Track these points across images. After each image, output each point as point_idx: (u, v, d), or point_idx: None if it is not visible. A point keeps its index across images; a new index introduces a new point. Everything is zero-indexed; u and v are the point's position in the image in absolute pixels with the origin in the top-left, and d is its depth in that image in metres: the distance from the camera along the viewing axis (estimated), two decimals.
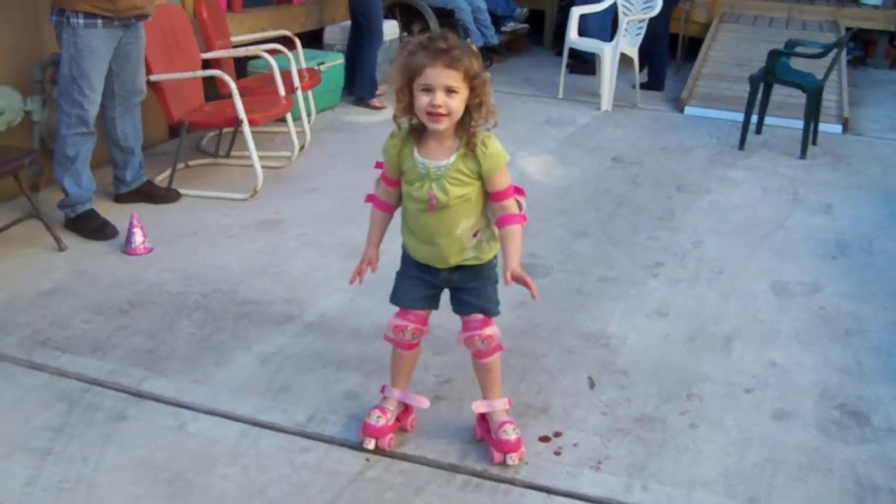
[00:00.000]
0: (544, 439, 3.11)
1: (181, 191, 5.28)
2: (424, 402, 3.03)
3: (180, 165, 5.50)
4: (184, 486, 2.81)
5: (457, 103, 2.55)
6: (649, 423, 3.23)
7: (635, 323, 3.99)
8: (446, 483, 2.84)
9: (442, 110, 2.54)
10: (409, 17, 8.97)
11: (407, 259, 2.93)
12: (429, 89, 2.53)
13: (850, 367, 3.70)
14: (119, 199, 5.11)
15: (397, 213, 2.92)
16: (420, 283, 2.90)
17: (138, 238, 4.49)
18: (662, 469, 2.98)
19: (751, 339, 3.89)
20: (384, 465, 2.94)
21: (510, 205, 2.72)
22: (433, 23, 8.76)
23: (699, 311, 4.14)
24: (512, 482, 2.86)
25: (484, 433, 3.00)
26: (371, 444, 2.95)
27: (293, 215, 5.08)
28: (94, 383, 3.34)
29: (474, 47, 2.62)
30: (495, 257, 2.88)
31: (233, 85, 5.08)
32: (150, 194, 5.16)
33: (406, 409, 3.08)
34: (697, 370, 3.61)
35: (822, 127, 7.25)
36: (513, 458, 2.90)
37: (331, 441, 3.06)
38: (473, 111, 2.60)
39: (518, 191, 2.79)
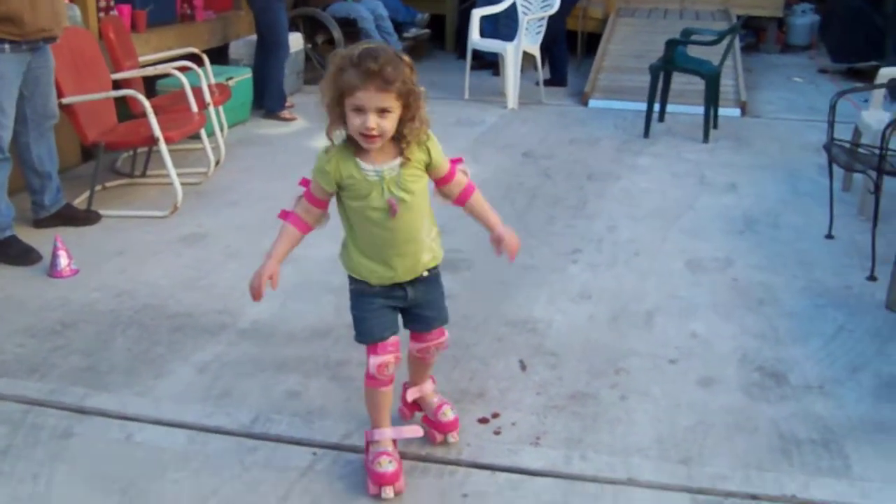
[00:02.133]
0: (483, 421, 3.22)
1: (101, 212, 5.27)
2: (419, 432, 2.96)
3: (97, 187, 5.50)
4: (137, 494, 2.86)
5: (390, 123, 2.51)
6: (582, 399, 3.37)
7: (560, 307, 4.13)
8: None
9: (375, 132, 2.49)
10: (313, 29, 9.05)
11: (364, 294, 2.80)
12: (361, 110, 2.48)
13: (766, 332, 3.90)
14: (39, 224, 5.09)
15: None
16: (387, 309, 2.80)
17: (63, 261, 4.50)
18: (599, 440, 3.12)
19: (671, 313, 4.07)
20: (332, 457, 3.03)
21: (460, 179, 2.77)
22: (337, 33, 8.86)
23: (620, 291, 4.30)
24: (457, 463, 2.97)
25: (423, 419, 3.10)
26: (390, 493, 2.79)
27: (215, 229, 5.13)
28: (35, 403, 3.36)
29: (406, 57, 2.55)
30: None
31: (146, 104, 5.12)
32: (70, 217, 5.15)
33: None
34: (623, 346, 3.77)
35: (722, 111, 7.54)
36: (454, 436, 3.03)
37: (277, 439, 3.13)
38: (406, 124, 2.54)
39: (456, 161, 2.79)
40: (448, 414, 3.04)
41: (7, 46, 4.47)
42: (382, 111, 2.48)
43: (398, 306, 2.82)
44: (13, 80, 4.58)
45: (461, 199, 2.79)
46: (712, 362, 3.65)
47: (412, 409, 3.16)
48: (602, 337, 3.85)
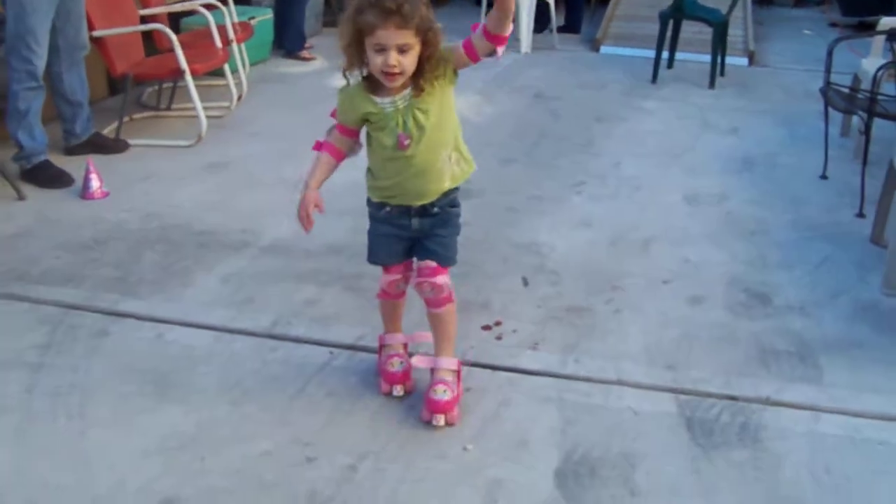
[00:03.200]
0: (486, 328, 3.49)
1: (129, 141, 5.52)
2: (429, 337, 3.04)
3: (125, 119, 5.74)
4: (168, 383, 3.13)
5: (410, 60, 2.54)
6: (579, 312, 3.64)
7: (562, 233, 4.39)
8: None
9: (396, 69, 2.52)
10: None
11: (375, 219, 2.92)
12: (382, 49, 2.51)
13: (754, 259, 4.15)
14: (70, 151, 5.35)
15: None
16: (393, 238, 2.90)
17: (95, 183, 4.76)
18: (592, 347, 3.39)
19: (666, 241, 4.32)
20: (346, 356, 3.30)
21: (475, 35, 2.63)
22: None
23: (619, 220, 4.55)
24: (460, 362, 3.22)
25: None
26: (400, 391, 3.00)
27: (237, 158, 5.38)
28: (73, 307, 3.63)
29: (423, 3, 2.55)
30: (458, 202, 2.91)
31: (174, 37, 5.36)
32: (100, 145, 5.41)
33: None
34: (620, 268, 4.03)
35: (729, 60, 7.72)
36: (438, 419, 2.87)
37: (296, 340, 3.40)
38: (425, 62, 2.58)
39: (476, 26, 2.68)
40: (439, 393, 2.88)
41: None
42: (403, 48, 2.51)
43: (405, 236, 2.88)
44: (47, 11, 4.81)
45: (487, 35, 2.60)
46: (702, 284, 3.90)
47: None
48: (601, 259, 4.11)
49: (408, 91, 2.65)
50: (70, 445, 2.80)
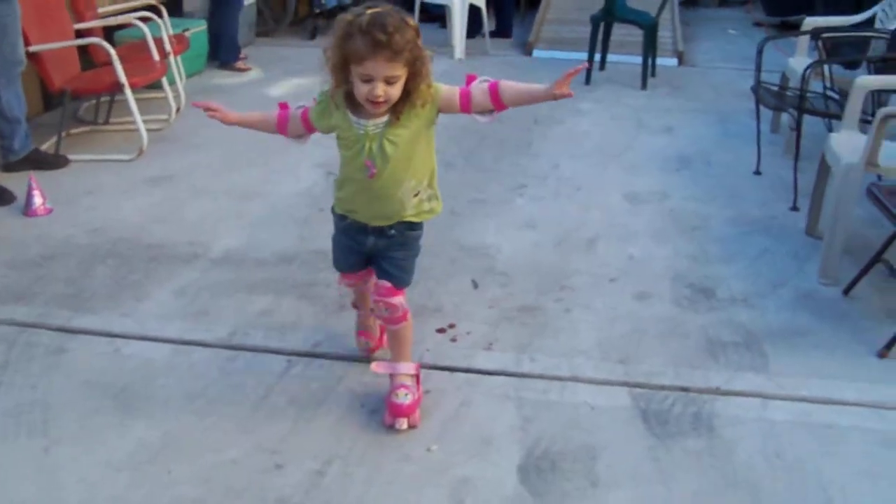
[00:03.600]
0: (441, 331, 3.56)
1: (69, 156, 5.49)
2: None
3: (62, 134, 5.70)
4: (131, 396, 3.15)
5: (397, 90, 2.53)
6: (530, 311, 3.72)
7: (508, 235, 4.47)
8: (362, 373, 3.24)
9: (381, 99, 2.52)
10: None
11: (337, 224, 2.96)
12: (369, 80, 2.49)
13: (697, 254, 4.27)
14: (8, 168, 5.30)
15: None
16: (350, 251, 2.95)
17: (38, 199, 4.73)
18: (545, 345, 3.47)
19: (610, 239, 4.43)
20: (304, 363, 3.34)
21: (480, 86, 2.67)
22: None
23: (563, 220, 4.65)
24: (418, 366, 3.28)
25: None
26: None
27: (180, 170, 5.38)
28: (27, 325, 3.61)
29: (411, 20, 2.53)
30: (420, 226, 2.91)
31: (112, 51, 5.35)
32: (40, 161, 5.37)
33: (381, 330, 3.27)
34: (567, 267, 4.12)
35: (660, 61, 7.90)
36: (401, 423, 2.90)
37: (254, 349, 3.44)
38: (411, 91, 2.56)
39: (472, 77, 2.72)
40: (400, 396, 2.91)
41: None
42: (390, 79, 2.49)
43: (361, 251, 2.91)
44: None
45: (491, 96, 2.65)
46: (648, 280, 4.01)
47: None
48: (547, 259, 4.20)
49: (384, 119, 2.64)
50: (35, 462, 2.81)
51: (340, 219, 2.92)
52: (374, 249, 2.89)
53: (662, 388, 3.20)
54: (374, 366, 3.03)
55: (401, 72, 2.50)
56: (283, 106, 2.89)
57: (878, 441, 2.92)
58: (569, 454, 2.84)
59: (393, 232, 2.84)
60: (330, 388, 3.17)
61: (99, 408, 3.09)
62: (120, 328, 3.60)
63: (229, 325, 3.60)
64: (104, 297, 3.86)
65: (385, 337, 3.20)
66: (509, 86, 2.64)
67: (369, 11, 2.48)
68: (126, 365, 3.35)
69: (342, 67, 2.53)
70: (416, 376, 3.01)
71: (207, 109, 2.93)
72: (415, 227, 2.88)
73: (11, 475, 2.74)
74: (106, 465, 2.79)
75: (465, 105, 2.66)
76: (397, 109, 2.61)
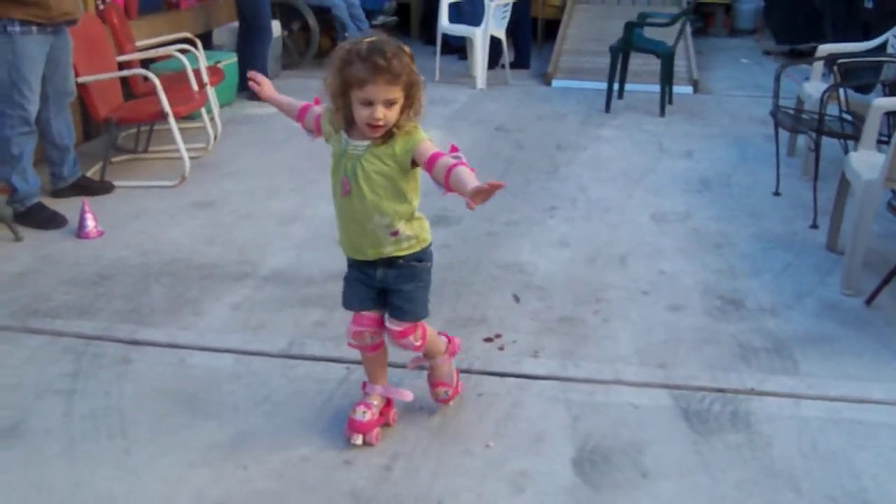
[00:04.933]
0: (488, 340, 3.76)
1: (114, 182, 5.72)
2: (408, 396, 3.11)
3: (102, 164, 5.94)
4: (199, 402, 3.35)
5: (394, 114, 2.63)
6: (570, 322, 3.93)
7: (543, 253, 4.69)
8: (417, 376, 3.43)
9: (381, 122, 2.61)
10: (289, 17, 9.51)
11: (347, 261, 3.04)
12: (369, 104, 2.59)
13: (724, 269, 4.48)
14: (57, 193, 5.53)
15: None
16: (360, 284, 2.98)
17: (90, 223, 4.95)
18: (588, 352, 3.68)
19: (641, 256, 4.64)
20: (362, 370, 3.49)
21: (445, 160, 2.64)
22: (312, 20, 9.35)
23: (594, 239, 4.86)
24: (469, 371, 3.49)
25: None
26: (359, 440, 3.00)
27: (222, 196, 5.61)
28: (93, 338, 3.82)
29: (407, 48, 2.66)
30: (428, 256, 2.96)
31: (157, 81, 5.59)
32: (86, 187, 5.60)
33: (388, 402, 3.16)
34: (601, 282, 4.33)
35: (676, 89, 8.15)
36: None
37: (313, 358, 3.64)
38: (405, 112, 2.66)
39: (454, 149, 2.70)
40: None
41: (34, 28, 4.91)
42: (390, 102, 2.60)
43: (371, 284, 2.95)
44: (39, 59, 5.02)
45: (445, 179, 2.61)
46: (679, 293, 4.22)
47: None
48: (582, 274, 4.41)
49: (366, 143, 2.71)
50: (117, 461, 3.01)
51: (341, 244, 3.02)
52: (383, 282, 2.92)
53: (700, 389, 3.39)
54: (369, 388, 3.14)
55: (399, 95, 2.61)
56: (316, 101, 2.99)
57: None
58: (618, 448, 3.04)
59: (401, 262, 2.87)
60: None
61: (170, 412, 3.29)
62: (183, 340, 3.80)
63: (287, 336, 3.81)
64: (163, 312, 4.06)
65: (385, 419, 3.18)
66: (460, 170, 2.57)
67: (367, 40, 2.62)
68: (192, 374, 3.55)
69: (342, 93, 2.64)
70: (390, 400, 3.14)
71: (257, 84, 3.11)
72: (421, 256, 2.91)
73: (97, 474, 2.93)
74: (184, 463, 2.99)
75: (429, 168, 2.67)
76: (388, 132, 2.69)
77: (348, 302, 3.07)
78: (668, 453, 3.02)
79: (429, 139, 2.71)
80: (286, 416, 3.25)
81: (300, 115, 3.04)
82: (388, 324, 2.97)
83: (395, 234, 2.81)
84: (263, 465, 2.97)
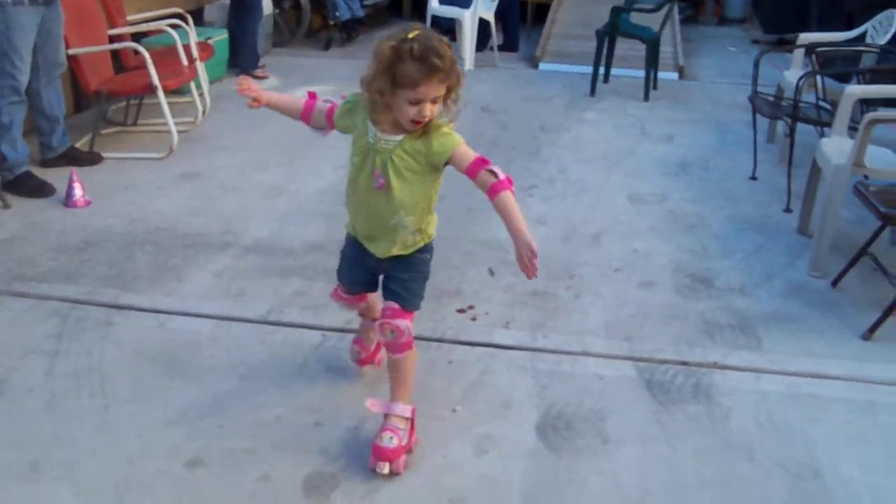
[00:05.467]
0: (461, 311, 3.87)
1: (102, 154, 5.81)
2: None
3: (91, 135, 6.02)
4: (179, 364, 3.45)
5: (437, 108, 2.58)
6: (543, 297, 4.04)
7: None
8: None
9: (428, 118, 2.58)
10: None
11: (348, 237, 2.99)
12: (419, 101, 2.53)
13: (697, 249, 4.59)
14: (45, 163, 5.61)
15: None
16: (358, 265, 2.96)
17: (78, 192, 5.04)
18: (557, 325, 3.79)
19: (615, 235, 4.75)
20: (338, 337, 3.64)
21: (486, 176, 2.63)
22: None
23: (571, 218, 4.97)
24: (441, 340, 3.60)
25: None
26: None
27: (208, 169, 5.70)
28: (77, 302, 3.92)
29: (446, 40, 2.59)
30: (429, 249, 2.93)
31: (147, 55, 5.66)
32: (75, 158, 5.68)
33: (376, 347, 3.33)
34: (575, 259, 4.44)
35: (662, 75, 8.25)
36: (381, 467, 2.82)
37: (291, 325, 3.74)
38: (443, 104, 2.60)
39: (485, 161, 2.69)
40: (385, 439, 2.84)
41: (26, 0, 4.98)
42: (436, 99, 2.56)
43: (367, 265, 2.93)
44: (30, 31, 5.09)
45: (489, 194, 2.65)
46: (651, 271, 4.33)
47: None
48: (557, 252, 4.52)
49: (398, 137, 2.65)
50: (98, 418, 3.11)
51: (352, 228, 2.96)
52: (377, 267, 2.92)
53: (664, 362, 3.51)
54: (369, 403, 2.91)
55: (444, 91, 2.57)
56: (312, 95, 2.95)
57: (859, 409, 3.24)
58: (581, 415, 3.15)
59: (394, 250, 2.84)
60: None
61: (150, 373, 3.39)
62: (164, 305, 3.90)
63: (266, 304, 3.91)
64: (146, 278, 4.16)
65: (378, 355, 3.34)
66: (506, 200, 2.64)
67: (414, 36, 2.51)
68: (172, 337, 3.65)
69: (391, 88, 2.54)
70: (411, 420, 2.93)
71: (246, 89, 2.95)
72: (423, 250, 2.89)
73: (77, 429, 3.04)
74: (161, 421, 3.09)
75: (469, 175, 2.67)
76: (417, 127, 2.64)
77: (342, 276, 3.11)
78: (630, 422, 3.13)
79: (464, 142, 2.68)
80: (262, 378, 3.35)
81: (305, 113, 2.95)
82: (384, 306, 2.88)
83: (417, 232, 2.82)
84: (238, 424, 3.08)
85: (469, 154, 2.66)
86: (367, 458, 2.88)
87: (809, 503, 2.76)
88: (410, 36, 2.51)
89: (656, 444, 3.01)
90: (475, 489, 2.78)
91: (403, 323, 2.83)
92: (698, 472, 2.87)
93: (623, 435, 3.06)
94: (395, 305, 2.84)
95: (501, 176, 2.64)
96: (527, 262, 2.60)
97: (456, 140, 2.65)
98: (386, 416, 2.90)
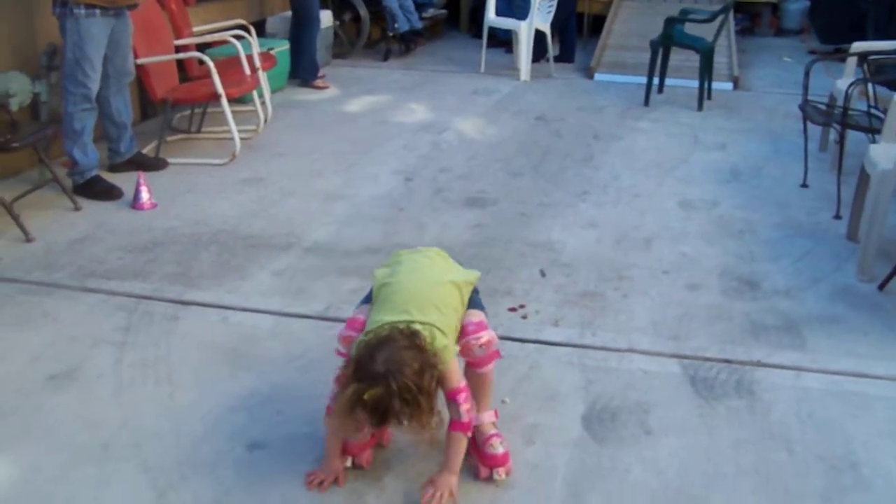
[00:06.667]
0: (512, 310, 4.00)
1: (168, 159, 6.03)
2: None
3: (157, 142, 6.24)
4: (240, 356, 3.62)
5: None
6: (592, 297, 4.15)
7: (572, 233, 4.91)
8: None
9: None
10: (342, 7, 9.80)
11: None
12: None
13: (744, 254, 4.67)
14: (113, 168, 5.85)
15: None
16: None
17: (145, 195, 5.26)
18: (605, 323, 3.89)
19: (665, 239, 4.84)
20: None
21: (452, 410, 2.72)
22: (363, 11, 9.62)
23: (622, 222, 5.07)
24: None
25: (470, 447, 2.87)
26: (348, 462, 2.91)
27: (269, 174, 5.89)
28: (144, 297, 4.11)
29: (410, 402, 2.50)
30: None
31: (212, 65, 5.87)
32: (142, 163, 5.90)
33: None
34: (625, 261, 4.54)
35: (715, 85, 8.32)
36: (499, 473, 2.86)
37: None
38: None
39: (460, 393, 2.72)
40: (496, 447, 2.87)
41: (98, 11, 5.22)
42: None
43: None
44: (102, 40, 5.33)
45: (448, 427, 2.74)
46: (698, 273, 4.42)
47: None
48: (607, 254, 4.63)
49: None
50: (163, 404, 3.28)
51: None
52: None
53: (708, 359, 3.60)
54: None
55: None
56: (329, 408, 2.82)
57: None
58: (625, 408, 3.26)
59: None
60: None
61: (213, 364, 3.56)
62: (227, 301, 4.08)
63: (324, 301, 4.06)
64: (210, 276, 4.34)
65: (379, 437, 3.07)
66: (455, 439, 2.74)
67: (368, 398, 2.49)
68: (234, 331, 3.82)
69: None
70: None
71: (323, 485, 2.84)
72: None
73: (145, 413, 3.21)
74: (223, 407, 3.26)
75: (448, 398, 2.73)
76: None
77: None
78: (673, 414, 3.23)
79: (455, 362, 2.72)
80: (320, 369, 3.49)
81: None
82: (465, 323, 2.85)
83: None
84: (297, 411, 3.23)
85: (455, 376, 2.71)
86: (420, 444, 2.99)
87: (846, 494, 2.83)
88: (365, 397, 2.48)
89: (697, 436, 3.11)
90: (522, 475, 2.90)
91: (489, 334, 2.84)
92: (737, 462, 2.96)
93: (666, 427, 3.16)
94: (481, 316, 2.89)
95: (465, 418, 2.71)
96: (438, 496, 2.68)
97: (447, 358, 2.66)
98: (478, 427, 2.91)
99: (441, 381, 2.63)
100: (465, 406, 2.70)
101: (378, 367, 2.51)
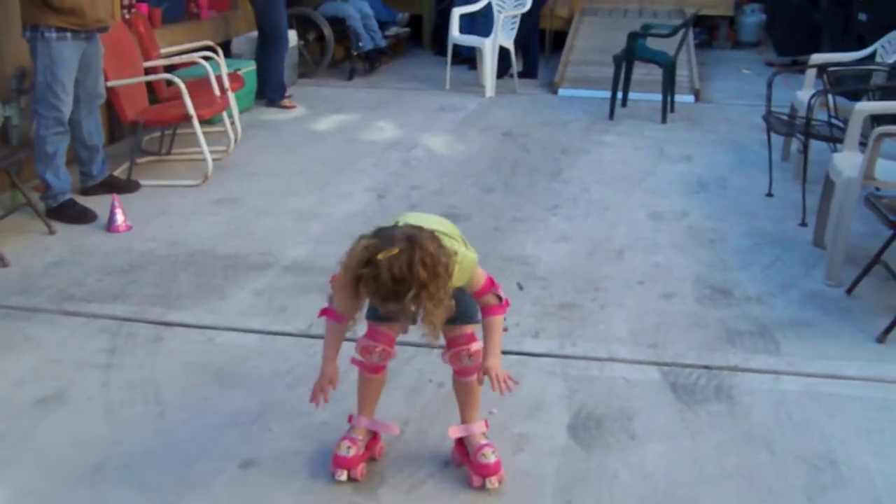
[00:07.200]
0: None
1: (140, 181, 6.05)
2: (394, 429, 3.06)
3: (128, 164, 6.25)
4: (228, 375, 3.65)
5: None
6: (570, 308, 4.23)
7: (545, 247, 4.99)
8: (428, 353, 3.71)
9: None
10: (306, 27, 9.86)
11: None
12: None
13: (716, 262, 4.78)
14: (86, 191, 5.85)
15: None
16: None
17: (120, 217, 5.27)
18: (584, 333, 3.98)
19: (637, 250, 4.94)
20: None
21: (489, 299, 2.74)
22: (327, 31, 9.68)
23: (594, 235, 5.17)
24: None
25: (462, 457, 2.98)
26: (343, 476, 2.92)
27: (242, 194, 5.93)
28: (126, 319, 4.13)
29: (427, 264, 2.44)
30: None
31: (183, 86, 5.91)
32: (114, 185, 5.90)
33: (374, 436, 3.07)
34: (599, 273, 4.63)
35: (678, 98, 8.47)
36: (492, 482, 2.88)
37: None
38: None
39: (493, 284, 2.76)
40: (488, 456, 2.89)
41: (69, 34, 5.24)
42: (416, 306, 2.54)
43: None
44: (73, 63, 5.35)
45: (482, 313, 2.80)
46: (672, 283, 4.52)
47: (461, 450, 3.02)
48: (581, 266, 4.71)
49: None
50: (153, 424, 3.31)
51: None
52: None
53: (687, 366, 3.69)
54: (451, 431, 2.99)
55: (424, 299, 2.49)
56: (323, 310, 2.96)
57: (874, 406, 3.42)
58: (609, 415, 3.33)
59: None
60: (400, 367, 3.64)
61: (201, 383, 3.59)
62: (210, 321, 4.11)
63: (306, 319, 4.11)
64: (190, 297, 4.37)
65: (372, 450, 3.08)
66: (493, 324, 2.78)
67: (382, 259, 2.43)
68: (219, 350, 3.86)
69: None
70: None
71: (324, 392, 2.88)
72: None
73: (136, 434, 3.24)
74: (214, 426, 3.29)
75: (475, 295, 2.77)
76: None
77: (371, 312, 2.91)
78: (656, 420, 3.31)
79: (474, 265, 2.71)
80: (307, 386, 3.44)
81: (340, 319, 2.90)
82: (454, 335, 2.87)
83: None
84: (287, 427, 3.27)
85: (481, 277, 2.74)
86: (413, 457, 3.06)
87: (826, 491, 2.93)
88: (380, 257, 2.41)
89: (681, 440, 3.19)
90: (513, 484, 2.96)
91: (478, 345, 2.86)
92: (720, 464, 3.05)
93: (650, 432, 3.23)
94: (468, 329, 2.88)
95: (502, 300, 2.78)
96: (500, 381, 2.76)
97: (472, 264, 2.69)
98: (469, 437, 2.97)
99: (470, 286, 2.68)
100: (498, 290, 2.75)
101: (398, 233, 2.46)
